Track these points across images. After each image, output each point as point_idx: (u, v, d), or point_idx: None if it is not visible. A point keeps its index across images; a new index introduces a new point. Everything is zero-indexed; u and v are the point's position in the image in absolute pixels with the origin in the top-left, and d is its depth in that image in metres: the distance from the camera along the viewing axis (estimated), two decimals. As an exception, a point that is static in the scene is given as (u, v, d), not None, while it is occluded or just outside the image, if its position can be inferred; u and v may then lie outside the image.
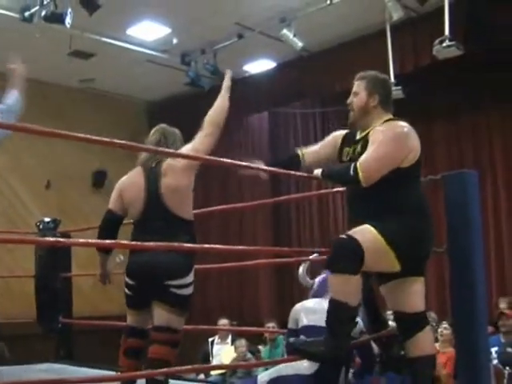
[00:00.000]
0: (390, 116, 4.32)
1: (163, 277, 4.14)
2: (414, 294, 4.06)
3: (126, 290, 4.41)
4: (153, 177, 4.41)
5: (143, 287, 4.27)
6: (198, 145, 4.54)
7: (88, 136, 3.40)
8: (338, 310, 3.75)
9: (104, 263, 4.73)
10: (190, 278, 4.24)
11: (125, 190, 4.59)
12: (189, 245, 4.08)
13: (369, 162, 3.90)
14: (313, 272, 5.23)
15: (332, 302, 3.79)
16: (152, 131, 4.76)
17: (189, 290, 4.24)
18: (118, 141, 3.54)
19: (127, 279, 4.36)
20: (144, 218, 4.35)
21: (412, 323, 4.01)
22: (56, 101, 13.49)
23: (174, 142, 4.66)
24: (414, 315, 3.98)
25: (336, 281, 3.78)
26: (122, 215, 4.56)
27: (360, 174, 3.84)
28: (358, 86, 4.28)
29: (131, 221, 4.58)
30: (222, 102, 4.63)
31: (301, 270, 5.19)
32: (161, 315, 4.20)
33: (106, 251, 4.64)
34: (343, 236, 3.82)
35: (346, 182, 4.12)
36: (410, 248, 3.96)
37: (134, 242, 4.16)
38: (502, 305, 9.25)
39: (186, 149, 4.55)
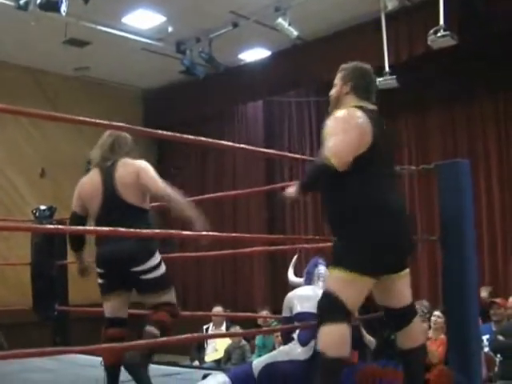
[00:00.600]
0: (361, 103, 4.03)
1: (126, 264, 4.40)
2: (400, 290, 3.92)
3: (99, 280, 4.63)
4: (109, 173, 4.64)
5: (112, 274, 4.51)
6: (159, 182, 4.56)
7: (80, 118, 3.41)
8: (330, 367, 3.57)
9: (80, 258, 4.93)
10: (153, 262, 4.46)
11: (83, 189, 4.82)
12: (188, 232, 4.12)
13: (335, 145, 3.78)
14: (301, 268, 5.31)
15: (323, 358, 3.57)
16: (105, 134, 4.92)
17: (158, 272, 4.48)
18: (109, 122, 3.56)
19: (97, 269, 4.60)
20: (103, 212, 4.56)
21: (401, 317, 3.94)
22: (51, 89, 13.49)
23: (125, 145, 4.83)
24: (402, 309, 3.92)
25: (325, 332, 3.60)
26: (85, 215, 4.75)
27: (331, 159, 3.71)
28: (337, 78, 4.24)
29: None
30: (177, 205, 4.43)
31: (290, 274, 5.25)
32: (148, 299, 4.53)
33: (77, 248, 4.89)
34: (324, 293, 3.74)
35: (322, 172, 3.84)
36: (382, 255, 3.70)
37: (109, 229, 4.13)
38: (483, 293, 9.31)
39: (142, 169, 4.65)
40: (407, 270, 3.95)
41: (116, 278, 4.51)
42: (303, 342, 4.23)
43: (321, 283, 4.66)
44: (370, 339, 6.01)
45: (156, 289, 4.49)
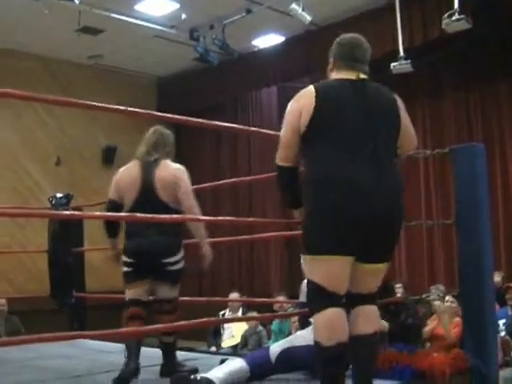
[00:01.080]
0: (339, 75, 3.86)
1: (159, 255, 4.68)
2: (367, 281, 3.58)
3: (125, 268, 4.86)
4: (149, 170, 4.80)
5: (141, 264, 4.76)
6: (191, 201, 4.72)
7: (93, 103, 3.43)
8: (328, 355, 3.44)
9: (114, 245, 5.13)
10: (180, 255, 4.77)
11: (121, 179, 4.92)
12: (204, 217, 4.18)
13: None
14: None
15: (320, 348, 3.47)
16: (150, 130, 5.10)
17: (180, 265, 4.78)
18: (125, 108, 3.57)
19: (126, 258, 4.83)
20: (137, 206, 4.68)
21: (354, 299, 3.60)
22: (65, 77, 13.53)
23: (168, 144, 5.00)
24: (361, 295, 3.60)
25: (315, 322, 3.52)
26: (121, 203, 4.86)
27: (276, 161, 3.71)
28: None
29: None
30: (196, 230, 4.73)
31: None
32: (163, 290, 4.81)
33: (113, 235, 5.07)
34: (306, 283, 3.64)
35: (279, 176, 3.78)
36: (332, 231, 3.38)
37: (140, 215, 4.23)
38: (497, 278, 9.28)
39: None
40: (382, 266, 3.57)
41: (145, 267, 4.75)
42: None
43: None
44: (383, 324, 6.02)
45: (174, 281, 4.83)
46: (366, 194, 3.38)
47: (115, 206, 4.86)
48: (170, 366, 4.68)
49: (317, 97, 3.63)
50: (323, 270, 3.42)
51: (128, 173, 4.92)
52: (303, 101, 3.69)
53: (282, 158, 3.70)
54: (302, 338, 4.28)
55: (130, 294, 4.88)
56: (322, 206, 3.41)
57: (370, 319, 3.58)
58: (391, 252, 3.63)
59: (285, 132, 3.72)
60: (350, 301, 3.57)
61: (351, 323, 3.52)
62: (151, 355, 5.04)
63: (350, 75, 3.78)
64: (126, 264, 4.85)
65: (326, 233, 3.40)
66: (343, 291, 3.49)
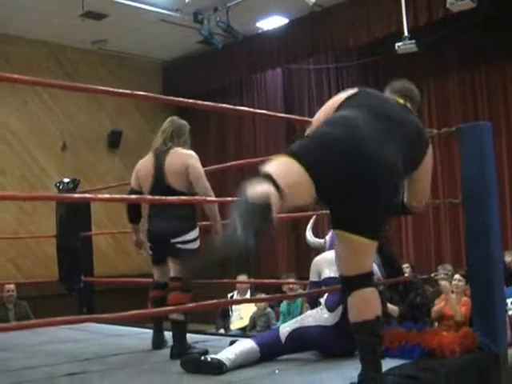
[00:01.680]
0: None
1: (168, 236, 4.91)
2: (349, 256, 3.43)
3: (149, 251, 5.24)
4: (160, 160, 5.09)
5: (157, 247, 5.11)
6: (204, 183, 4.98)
7: (98, 87, 3.42)
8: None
9: (136, 230, 5.44)
10: (192, 235, 4.93)
11: (139, 170, 5.28)
12: (210, 198, 4.21)
13: None
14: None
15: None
16: (166, 121, 5.35)
17: (194, 245, 4.92)
18: (131, 91, 3.57)
19: (147, 243, 5.22)
20: (152, 192, 5.03)
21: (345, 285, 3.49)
22: (69, 63, 13.52)
23: (184, 134, 5.24)
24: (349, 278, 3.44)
25: None
26: (141, 191, 5.20)
27: None
28: None
29: None
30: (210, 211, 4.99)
31: (308, 235, 5.27)
32: (174, 268, 4.97)
33: (132, 221, 5.40)
34: None
35: None
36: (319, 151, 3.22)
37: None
38: (508, 258, 9.28)
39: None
40: (357, 238, 3.32)
41: (161, 250, 5.06)
42: (331, 308, 4.24)
43: None
44: (392, 308, 6.03)
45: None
46: (366, 147, 3.23)
47: (135, 193, 5.21)
48: (180, 348, 4.73)
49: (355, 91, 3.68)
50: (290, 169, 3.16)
51: (145, 163, 5.23)
52: (342, 93, 3.72)
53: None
54: (312, 317, 4.29)
55: (154, 273, 5.31)
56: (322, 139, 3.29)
57: (366, 304, 3.41)
58: (370, 226, 3.37)
59: (317, 115, 3.85)
60: (345, 285, 3.47)
61: (349, 311, 3.45)
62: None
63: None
64: (149, 248, 5.22)
65: (314, 148, 3.25)
66: None
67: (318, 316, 4.26)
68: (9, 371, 4.39)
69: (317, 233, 5.32)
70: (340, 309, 4.19)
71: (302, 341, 4.20)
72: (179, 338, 4.81)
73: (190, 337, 5.18)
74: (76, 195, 6.13)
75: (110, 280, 8.23)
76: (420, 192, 3.86)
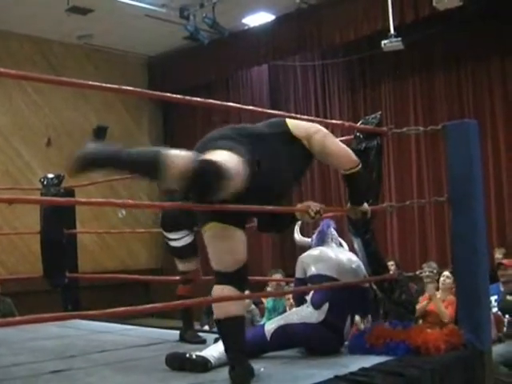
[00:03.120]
0: None
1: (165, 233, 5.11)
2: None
3: None
4: None
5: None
6: None
7: (85, 82, 3.39)
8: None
9: None
10: (182, 233, 5.04)
11: None
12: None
13: None
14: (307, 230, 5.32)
15: None
16: None
17: (182, 242, 5.04)
18: (118, 86, 3.54)
19: None
20: None
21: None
22: (55, 58, 13.48)
23: None
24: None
25: None
26: None
27: None
28: None
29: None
30: None
31: (296, 235, 5.24)
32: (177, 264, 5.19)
33: None
34: None
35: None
36: None
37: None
38: (498, 255, 9.34)
39: None
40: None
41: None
42: (316, 305, 4.24)
43: (334, 245, 4.65)
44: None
45: (177, 256, 5.16)
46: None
47: None
48: (186, 332, 5.04)
49: None
50: None
51: None
52: None
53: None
54: (297, 315, 4.29)
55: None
56: None
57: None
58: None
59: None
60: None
61: None
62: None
63: None
64: None
65: None
66: None
67: (304, 313, 4.25)
68: (-7, 368, 4.37)
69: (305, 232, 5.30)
70: (326, 306, 4.20)
71: (287, 338, 4.20)
72: (187, 321, 5.16)
73: (175, 333, 5.19)
74: (61, 199, 6.02)
75: (94, 276, 8.20)
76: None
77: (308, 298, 4.36)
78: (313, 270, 4.42)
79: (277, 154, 3.68)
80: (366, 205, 4.20)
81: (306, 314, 4.24)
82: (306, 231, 5.23)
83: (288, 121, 3.95)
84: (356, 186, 4.11)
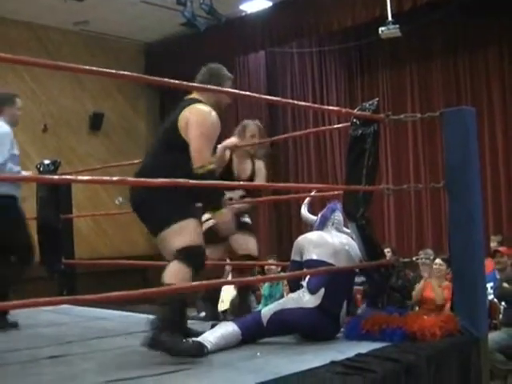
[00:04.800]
0: None
1: None
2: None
3: None
4: None
5: None
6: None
7: (82, 67, 3.38)
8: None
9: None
10: None
11: None
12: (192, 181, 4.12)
13: None
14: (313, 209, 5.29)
15: None
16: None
17: None
18: (116, 71, 3.53)
19: None
20: None
21: None
22: (51, 44, 13.43)
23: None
24: None
25: None
26: None
27: None
28: None
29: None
30: None
31: (303, 209, 5.23)
32: None
33: None
34: None
35: None
36: None
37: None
38: (493, 243, 9.36)
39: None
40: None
41: None
42: (312, 290, 4.25)
43: (334, 231, 4.65)
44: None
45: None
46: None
47: None
48: None
49: None
50: None
51: None
52: None
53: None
54: (294, 300, 4.29)
55: None
56: None
57: None
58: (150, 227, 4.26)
59: None
60: None
61: None
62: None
63: None
64: None
65: None
66: None
67: (300, 299, 4.26)
68: (-10, 354, 4.38)
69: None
70: (322, 291, 4.22)
71: (283, 324, 4.21)
72: None
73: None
74: (56, 177, 6.03)
75: (91, 262, 8.20)
76: (191, 150, 4.10)
77: (304, 283, 4.37)
78: (310, 255, 4.42)
79: None
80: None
81: (301, 299, 4.25)
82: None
83: None
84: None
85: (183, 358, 3.80)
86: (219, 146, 5.44)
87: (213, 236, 4.77)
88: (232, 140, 5.69)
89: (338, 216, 4.74)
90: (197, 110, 4.23)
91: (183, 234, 4.01)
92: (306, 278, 4.38)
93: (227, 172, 5.68)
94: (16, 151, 5.72)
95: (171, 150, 4.14)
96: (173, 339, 3.85)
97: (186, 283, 3.89)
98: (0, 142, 5.66)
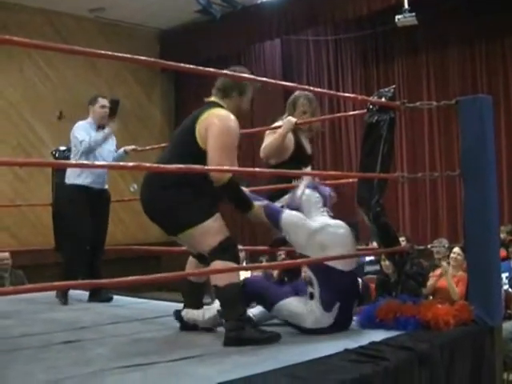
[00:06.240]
0: None
1: None
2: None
3: None
4: None
5: None
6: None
7: (98, 51, 3.39)
8: None
9: None
10: None
11: None
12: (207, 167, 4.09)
13: None
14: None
15: None
16: None
17: None
18: (131, 56, 3.53)
19: None
20: None
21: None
22: (66, 31, 13.43)
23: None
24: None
25: None
26: None
27: None
28: None
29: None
30: None
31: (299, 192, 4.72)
32: None
33: None
34: None
35: None
36: None
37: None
38: (502, 234, 9.29)
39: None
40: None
41: None
42: (326, 306, 4.07)
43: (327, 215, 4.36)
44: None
45: None
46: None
47: None
48: None
49: None
50: None
51: None
52: None
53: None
54: (309, 317, 4.09)
55: None
56: None
57: None
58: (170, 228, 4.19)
59: None
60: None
61: None
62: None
63: None
64: None
65: None
66: None
67: (315, 316, 4.07)
68: (6, 338, 4.40)
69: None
70: (336, 307, 4.08)
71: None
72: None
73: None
74: (73, 162, 6.07)
75: (106, 248, 8.18)
76: (210, 161, 3.97)
77: (316, 292, 4.10)
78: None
79: None
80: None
81: (317, 317, 4.09)
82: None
83: None
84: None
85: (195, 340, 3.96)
86: (279, 133, 5.27)
87: None
88: (290, 119, 5.32)
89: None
90: (218, 115, 4.09)
91: (212, 232, 4.00)
92: (316, 291, 4.10)
93: (299, 150, 5.43)
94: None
95: (185, 158, 3.86)
96: (256, 332, 3.93)
97: (237, 278, 4.01)
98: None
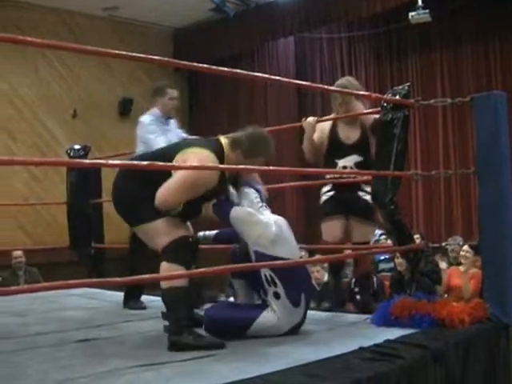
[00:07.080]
0: None
1: None
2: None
3: None
4: None
5: None
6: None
7: (111, 51, 3.41)
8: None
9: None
10: None
11: None
12: (222, 166, 4.09)
13: None
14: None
15: None
16: None
17: None
18: (145, 55, 3.54)
19: None
20: None
21: None
22: (80, 30, 13.44)
23: None
24: None
25: None
26: None
27: None
28: None
29: None
30: None
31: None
32: None
33: None
34: None
35: None
36: None
37: None
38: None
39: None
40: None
41: None
42: (295, 302, 4.07)
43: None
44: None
45: None
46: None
47: None
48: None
49: None
50: None
51: None
52: None
53: None
54: (284, 320, 4.10)
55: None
56: None
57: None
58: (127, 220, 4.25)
59: None
60: None
61: None
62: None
63: None
64: None
65: None
66: None
67: (287, 321, 4.07)
68: (23, 336, 4.44)
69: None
70: (302, 297, 4.09)
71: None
72: None
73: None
74: (87, 161, 6.08)
75: (120, 246, 8.20)
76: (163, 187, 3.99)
77: (281, 293, 4.05)
78: (274, 251, 4.10)
79: None
80: None
81: (289, 317, 4.06)
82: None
83: None
84: None
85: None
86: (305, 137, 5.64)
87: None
88: (308, 121, 5.61)
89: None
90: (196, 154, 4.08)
91: (162, 232, 4.02)
92: (281, 290, 4.05)
93: (334, 139, 5.58)
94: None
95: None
96: (194, 337, 3.86)
97: (181, 282, 3.93)
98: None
